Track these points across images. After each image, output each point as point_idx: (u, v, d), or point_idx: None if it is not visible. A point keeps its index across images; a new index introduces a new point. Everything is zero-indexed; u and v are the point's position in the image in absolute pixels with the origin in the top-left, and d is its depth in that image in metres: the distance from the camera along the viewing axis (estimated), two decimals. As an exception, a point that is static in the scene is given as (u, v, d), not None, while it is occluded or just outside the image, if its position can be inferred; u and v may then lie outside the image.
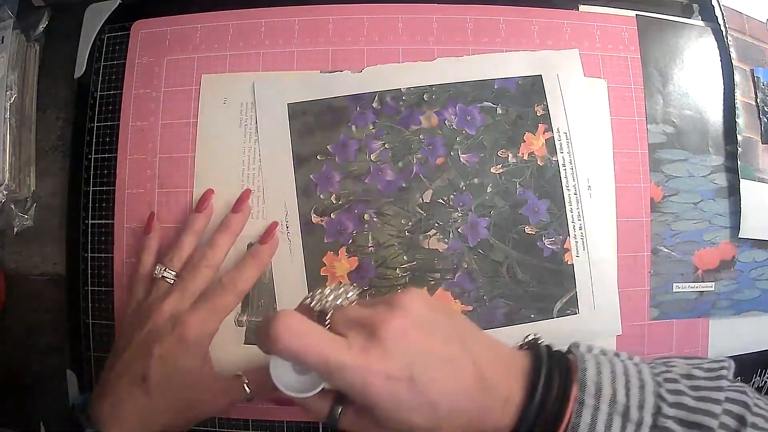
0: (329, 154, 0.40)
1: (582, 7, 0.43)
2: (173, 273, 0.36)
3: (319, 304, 0.28)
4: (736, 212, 0.41)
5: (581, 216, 0.40)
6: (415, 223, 0.39)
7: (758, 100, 0.43)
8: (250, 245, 0.39)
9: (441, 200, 0.39)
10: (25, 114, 0.43)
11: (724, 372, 0.28)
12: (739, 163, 0.41)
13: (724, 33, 0.43)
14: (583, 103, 0.41)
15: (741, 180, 0.41)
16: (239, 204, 0.38)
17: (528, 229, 0.39)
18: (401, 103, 0.40)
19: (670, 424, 0.26)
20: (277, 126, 0.40)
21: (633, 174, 0.41)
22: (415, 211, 0.39)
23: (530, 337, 0.30)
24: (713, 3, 0.43)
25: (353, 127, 0.40)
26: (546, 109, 0.40)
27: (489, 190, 0.40)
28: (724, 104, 0.43)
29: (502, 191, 0.40)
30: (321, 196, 0.39)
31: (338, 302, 0.28)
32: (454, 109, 0.40)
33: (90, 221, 0.41)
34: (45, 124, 0.43)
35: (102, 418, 0.32)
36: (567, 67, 0.41)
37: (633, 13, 0.43)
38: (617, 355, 0.30)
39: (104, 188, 0.41)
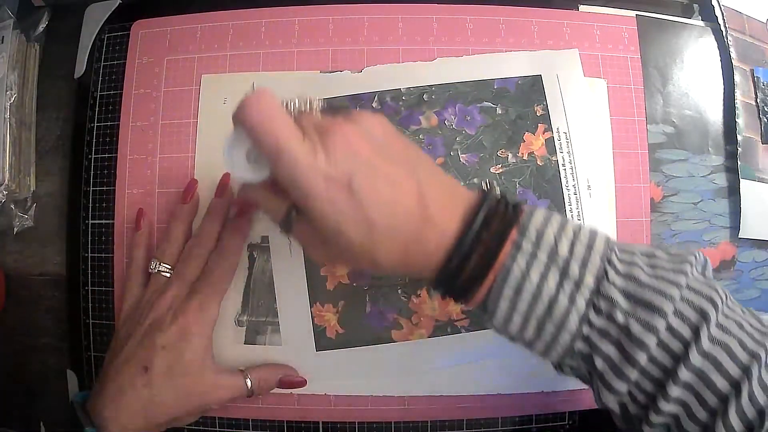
0: None
1: (582, 7, 0.43)
2: (168, 266, 0.36)
3: (289, 106, 0.29)
4: (736, 212, 0.41)
5: (581, 216, 0.40)
6: None
7: (758, 100, 0.43)
8: (250, 245, 0.39)
9: (441, 200, 0.39)
10: (25, 114, 0.43)
11: (691, 259, 0.26)
12: (739, 163, 0.41)
13: (724, 33, 0.43)
14: (583, 103, 0.41)
15: (741, 180, 0.41)
16: (220, 189, 0.38)
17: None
18: (401, 103, 0.40)
19: (614, 293, 0.24)
20: None
21: (633, 174, 0.41)
22: None
23: (487, 185, 0.29)
24: (713, 3, 0.43)
25: None
26: (546, 109, 0.40)
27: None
28: (724, 104, 0.43)
29: (502, 191, 0.40)
30: None
31: (305, 106, 0.28)
32: (454, 109, 0.40)
33: (90, 221, 0.41)
34: (45, 124, 0.43)
35: (103, 412, 0.32)
36: (567, 67, 0.41)
37: (633, 13, 0.43)
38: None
39: (104, 188, 0.41)
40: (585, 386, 0.39)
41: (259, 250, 0.39)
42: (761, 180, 0.42)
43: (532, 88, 0.41)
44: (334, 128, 0.26)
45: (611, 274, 0.24)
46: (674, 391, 0.24)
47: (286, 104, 0.29)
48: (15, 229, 0.41)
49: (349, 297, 0.39)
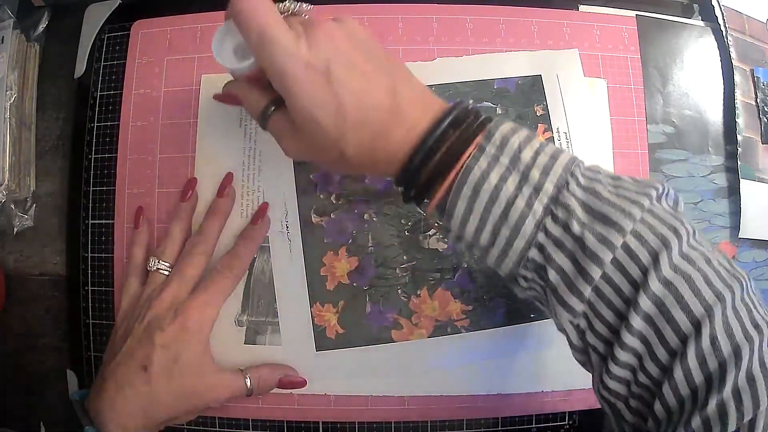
0: None
1: (582, 7, 0.43)
2: (167, 264, 0.36)
3: (281, 6, 0.29)
4: (736, 212, 0.41)
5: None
6: (414, 223, 0.39)
7: (758, 100, 0.43)
8: (250, 245, 0.39)
9: (441, 200, 0.39)
10: (25, 114, 0.43)
11: (658, 186, 0.25)
12: (739, 163, 0.41)
13: (724, 33, 0.43)
14: (583, 103, 0.41)
15: (741, 180, 0.41)
16: (222, 189, 0.38)
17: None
18: None
19: (573, 203, 0.24)
20: None
21: (633, 174, 0.40)
22: (415, 211, 0.39)
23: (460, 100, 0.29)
24: (713, 3, 0.44)
25: None
26: (546, 109, 0.40)
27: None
28: (724, 104, 0.43)
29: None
30: (321, 196, 0.39)
31: (294, 9, 0.29)
32: None
33: (90, 221, 0.41)
34: (45, 124, 0.43)
35: (102, 410, 0.32)
36: (567, 67, 0.41)
37: (633, 13, 0.43)
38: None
39: (104, 188, 0.41)
40: (585, 386, 0.39)
41: (260, 250, 0.39)
42: (761, 180, 0.42)
43: (532, 88, 0.41)
44: (319, 23, 0.27)
45: (572, 185, 0.24)
46: (636, 322, 0.23)
47: (278, 4, 0.29)
48: (15, 229, 0.41)
49: (349, 297, 0.39)
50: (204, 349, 0.35)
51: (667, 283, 0.23)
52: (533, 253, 0.25)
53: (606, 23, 0.42)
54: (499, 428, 0.40)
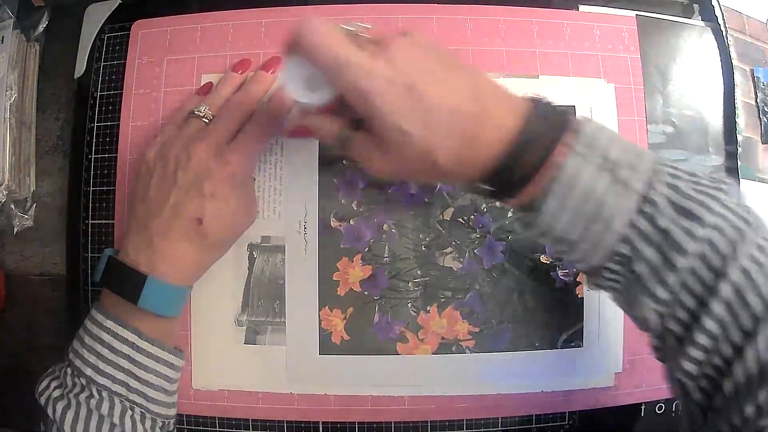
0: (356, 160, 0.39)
1: (582, 7, 0.43)
2: (211, 113, 0.36)
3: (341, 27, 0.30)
4: (736, 212, 0.41)
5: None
6: (432, 239, 0.39)
7: (758, 100, 0.43)
8: (250, 245, 0.39)
9: (461, 219, 0.39)
10: (25, 114, 0.43)
11: (727, 181, 0.27)
12: (739, 163, 0.41)
13: (724, 33, 0.43)
14: None
15: (741, 180, 0.41)
16: (271, 65, 0.39)
17: (543, 258, 0.39)
18: None
19: (659, 199, 0.25)
20: None
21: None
22: (435, 227, 0.39)
23: (534, 94, 0.30)
24: (713, 3, 0.43)
25: None
26: None
27: (509, 215, 0.39)
28: (724, 104, 0.43)
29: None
30: (343, 201, 0.39)
31: (355, 29, 0.30)
32: None
33: (90, 221, 0.41)
34: (45, 124, 0.43)
35: (155, 264, 0.33)
36: (601, 99, 0.41)
37: (633, 13, 0.43)
38: None
39: (104, 188, 0.41)
40: (585, 386, 0.39)
41: (259, 250, 0.39)
42: (761, 180, 0.42)
43: None
44: (389, 38, 0.28)
45: (656, 181, 0.26)
46: (716, 307, 0.24)
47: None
48: (15, 229, 0.41)
49: (359, 305, 0.39)
50: (249, 192, 0.37)
51: (745, 271, 0.24)
52: (621, 247, 0.26)
53: (606, 23, 0.42)
54: (499, 428, 0.40)
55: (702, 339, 0.25)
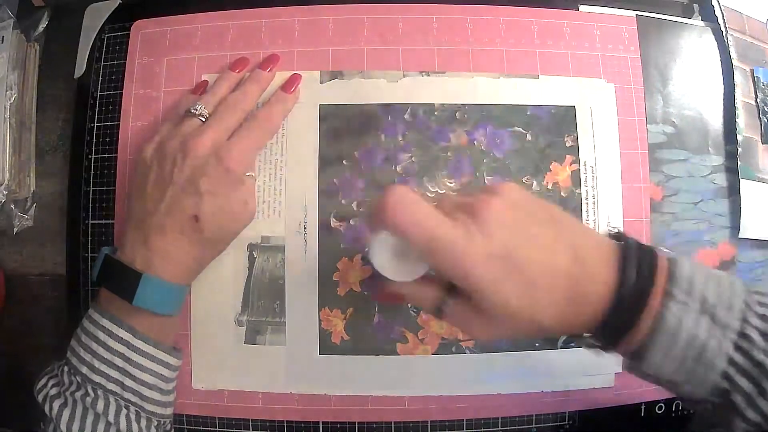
0: (356, 160, 0.39)
1: (582, 7, 0.43)
2: (207, 112, 0.36)
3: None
4: (736, 212, 0.41)
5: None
6: None
7: (758, 100, 0.43)
8: (250, 245, 0.39)
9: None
10: (25, 114, 0.43)
11: None
12: (739, 163, 0.41)
13: (724, 33, 0.43)
14: (613, 139, 0.40)
15: (741, 180, 0.41)
16: (269, 63, 0.39)
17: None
18: (433, 118, 0.40)
19: (754, 334, 0.25)
20: (306, 125, 0.40)
21: (633, 174, 0.41)
22: None
23: (614, 230, 0.30)
24: (713, 3, 0.43)
25: (383, 136, 0.40)
26: (576, 140, 0.40)
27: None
28: (724, 104, 0.43)
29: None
30: (342, 201, 0.39)
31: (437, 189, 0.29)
32: (485, 131, 0.40)
33: (90, 221, 0.41)
34: (45, 124, 0.43)
35: (153, 261, 0.33)
36: (601, 100, 0.41)
37: (633, 13, 0.43)
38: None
39: (104, 188, 0.41)
40: (585, 387, 0.40)
41: (259, 250, 0.39)
42: (761, 180, 0.42)
43: (565, 118, 0.40)
44: (481, 205, 0.27)
45: (750, 315, 0.26)
46: None
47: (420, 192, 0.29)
48: (15, 229, 0.41)
49: (359, 305, 0.39)
50: (247, 190, 0.36)
51: None
52: (721, 383, 0.26)
53: (606, 23, 0.42)
54: (499, 428, 0.40)
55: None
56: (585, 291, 0.26)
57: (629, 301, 0.26)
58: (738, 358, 0.25)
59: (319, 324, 0.39)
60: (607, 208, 0.40)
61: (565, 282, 0.26)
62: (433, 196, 0.29)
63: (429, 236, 0.26)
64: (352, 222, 0.39)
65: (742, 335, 0.25)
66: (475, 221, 0.26)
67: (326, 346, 0.39)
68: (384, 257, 0.29)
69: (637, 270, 0.26)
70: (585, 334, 0.28)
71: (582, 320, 0.27)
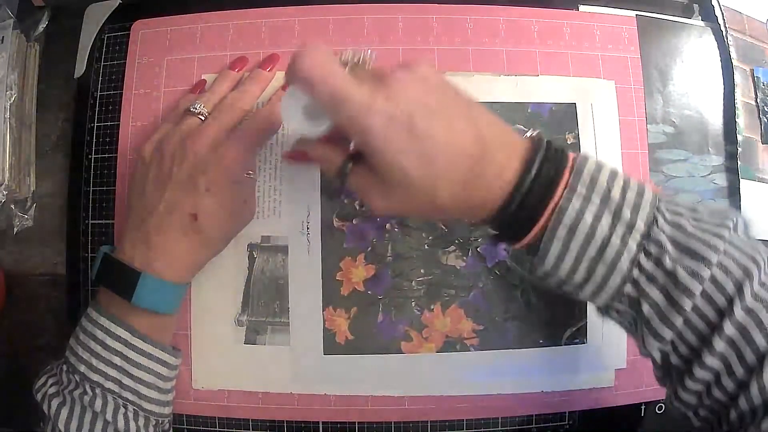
0: None
1: (582, 7, 0.43)
2: (207, 111, 0.36)
3: (342, 57, 0.30)
4: (736, 212, 0.41)
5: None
6: (435, 238, 0.39)
7: (758, 100, 0.43)
8: (250, 245, 0.39)
9: (464, 218, 0.39)
10: (25, 114, 0.43)
11: (732, 216, 0.26)
12: (739, 163, 0.41)
13: (724, 33, 0.43)
14: (614, 136, 0.40)
15: (741, 180, 0.41)
16: (268, 63, 0.39)
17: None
18: None
19: (663, 239, 0.25)
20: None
21: (633, 174, 0.40)
22: (437, 226, 0.39)
23: (535, 132, 0.30)
24: (713, 3, 0.44)
25: None
26: (577, 137, 0.40)
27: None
28: (724, 104, 0.43)
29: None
30: (345, 201, 0.39)
31: (357, 59, 0.30)
32: None
33: (90, 221, 0.41)
34: (45, 124, 0.43)
35: (152, 260, 0.33)
36: (602, 97, 0.41)
37: (633, 13, 0.43)
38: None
39: (104, 188, 0.41)
40: (585, 386, 0.40)
41: (259, 250, 0.39)
42: (761, 180, 0.42)
43: (566, 115, 0.40)
44: (392, 74, 0.27)
45: (660, 221, 0.25)
46: (719, 345, 0.24)
47: (340, 56, 0.29)
48: (15, 229, 0.41)
49: (363, 304, 0.39)
50: (247, 189, 0.37)
51: (749, 311, 0.24)
52: (628, 288, 0.26)
53: (606, 23, 0.42)
54: (499, 428, 0.40)
55: (702, 374, 0.25)
56: (485, 176, 0.26)
57: (531, 192, 0.26)
58: (646, 263, 0.25)
59: (323, 324, 0.39)
60: None
61: (464, 161, 0.26)
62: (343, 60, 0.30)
63: (332, 90, 0.26)
64: (354, 222, 0.39)
65: (652, 240, 0.25)
66: (382, 85, 0.26)
67: (331, 346, 0.39)
68: (292, 111, 0.29)
69: (542, 163, 0.26)
70: (485, 226, 0.28)
71: (480, 206, 0.27)
